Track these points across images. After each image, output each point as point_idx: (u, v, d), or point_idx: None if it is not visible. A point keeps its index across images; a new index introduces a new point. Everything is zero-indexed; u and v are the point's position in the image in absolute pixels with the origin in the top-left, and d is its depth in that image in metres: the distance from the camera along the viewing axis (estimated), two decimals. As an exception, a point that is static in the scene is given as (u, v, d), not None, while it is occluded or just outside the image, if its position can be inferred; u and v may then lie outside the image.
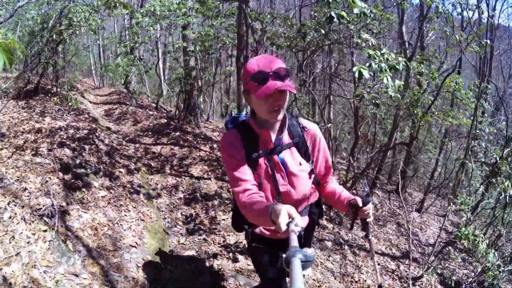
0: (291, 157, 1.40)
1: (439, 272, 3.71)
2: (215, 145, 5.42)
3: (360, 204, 1.34)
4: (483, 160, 5.30)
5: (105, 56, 18.31)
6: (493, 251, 2.96)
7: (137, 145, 5.17)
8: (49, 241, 2.23)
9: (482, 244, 2.87)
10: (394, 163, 7.76)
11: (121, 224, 2.79)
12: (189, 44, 6.45)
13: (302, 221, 1.02)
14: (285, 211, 0.98)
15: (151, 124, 6.52)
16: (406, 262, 3.78)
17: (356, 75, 2.21)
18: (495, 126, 5.80)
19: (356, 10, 2.34)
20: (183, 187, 3.89)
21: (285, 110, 1.34)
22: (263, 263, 1.57)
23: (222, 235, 3.11)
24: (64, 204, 2.66)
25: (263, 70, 1.22)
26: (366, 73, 2.20)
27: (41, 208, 2.45)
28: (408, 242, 3.89)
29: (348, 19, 2.68)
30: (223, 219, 3.37)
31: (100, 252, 2.40)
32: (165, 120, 6.74)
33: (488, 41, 4.51)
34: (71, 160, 3.33)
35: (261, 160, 1.36)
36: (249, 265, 2.74)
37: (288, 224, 0.95)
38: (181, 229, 3.17)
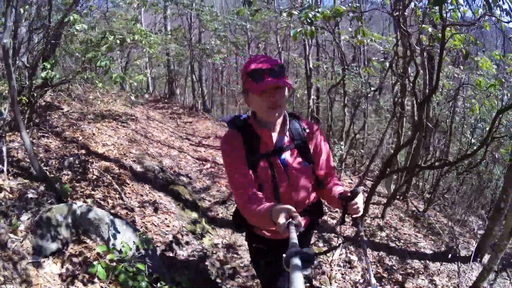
0: (292, 159, 1.41)
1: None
2: (184, 105, 11.35)
3: (349, 194, 1.26)
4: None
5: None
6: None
7: (148, 105, 11.11)
8: (124, 132, 8.01)
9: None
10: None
11: (149, 129, 8.66)
12: (170, 57, 12.35)
13: (302, 221, 1.03)
14: (285, 211, 1.02)
15: (152, 99, 12.43)
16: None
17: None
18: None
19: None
20: (168, 113, 9.89)
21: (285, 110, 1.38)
22: (264, 264, 1.61)
23: (185, 130, 9.03)
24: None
25: (259, 68, 1.26)
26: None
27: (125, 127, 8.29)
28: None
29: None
30: (186, 123, 9.30)
31: (139, 133, 8.26)
32: (159, 98, 12.65)
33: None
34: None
35: (262, 162, 1.37)
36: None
37: (288, 224, 0.98)
38: (169, 128, 9.11)
